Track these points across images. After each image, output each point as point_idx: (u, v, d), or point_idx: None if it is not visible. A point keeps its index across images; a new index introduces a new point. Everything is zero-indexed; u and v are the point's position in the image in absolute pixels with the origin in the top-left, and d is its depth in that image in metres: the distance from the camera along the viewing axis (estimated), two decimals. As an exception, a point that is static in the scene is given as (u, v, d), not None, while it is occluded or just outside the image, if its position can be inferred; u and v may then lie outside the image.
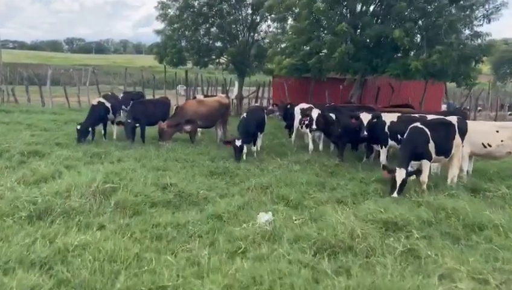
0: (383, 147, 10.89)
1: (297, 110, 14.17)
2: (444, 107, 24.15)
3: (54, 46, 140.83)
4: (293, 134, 14.46)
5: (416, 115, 11.15)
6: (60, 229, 5.97)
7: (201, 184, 8.81)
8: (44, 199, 6.77)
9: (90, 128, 13.17)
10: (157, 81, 32.80)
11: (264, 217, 6.60)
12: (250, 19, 25.72)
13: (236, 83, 32.82)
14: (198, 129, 14.19)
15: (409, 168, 8.43)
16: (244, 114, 12.32)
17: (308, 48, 16.57)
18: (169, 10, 25.03)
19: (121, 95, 18.68)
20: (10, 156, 10.32)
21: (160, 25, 25.35)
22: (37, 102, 24.27)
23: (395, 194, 8.03)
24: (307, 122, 12.94)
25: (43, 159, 10.30)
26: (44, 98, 23.72)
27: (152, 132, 14.10)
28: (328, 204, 7.66)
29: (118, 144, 12.88)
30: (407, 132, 9.14)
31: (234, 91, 30.55)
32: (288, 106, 16.23)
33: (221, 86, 28.63)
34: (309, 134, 13.02)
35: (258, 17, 25.92)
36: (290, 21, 20.87)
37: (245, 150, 11.90)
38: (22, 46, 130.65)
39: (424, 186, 8.69)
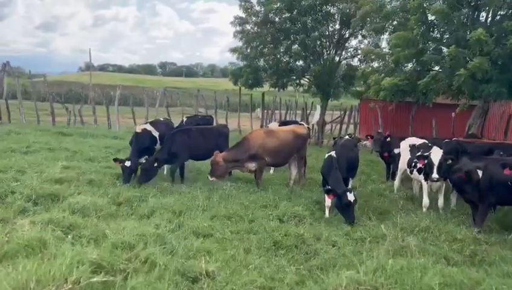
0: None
1: (404, 146, 10.22)
2: None
3: (148, 69, 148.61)
4: (397, 179, 10.46)
5: None
6: None
7: (256, 274, 5.35)
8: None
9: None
10: (233, 104, 30.36)
11: None
12: (337, 34, 22.22)
13: (318, 107, 29.25)
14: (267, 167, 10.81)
15: None
16: (332, 153, 8.62)
17: (415, 64, 12.54)
18: (246, 26, 22.44)
19: (184, 119, 15.99)
20: (12, 201, 7.72)
21: (237, 43, 22.83)
22: (105, 123, 22.78)
23: None
24: (420, 165, 9.02)
25: (50, 208, 7.57)
26: (111, 120, 22.11)
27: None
28: None
29: (163, 185, 9.97)
30: None
31: (315, 116, 26.96)
32: (388, 139, 12.31)
33: (301, 110, 25.21)
34: (424, 184, 9.01)
35: (347, 32, 22.36)
36: (386, 35, 17.10)
37: (329, 203, 8.31)
38: (120, 69, 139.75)
39: None
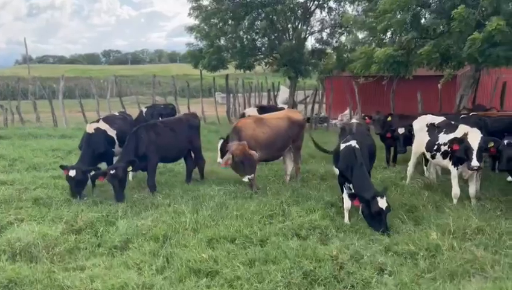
0: None
1: (420, 125, 8.66)
2: None
3: (91, 58, 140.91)
4: (410, 165, 8.92)
5: None
6: None
7: None
8: None
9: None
10: (192, 89, 28.03)
11: None
12: (302, 6, 20.39)
13: (282, 88, 27.56)
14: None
15: None
16: (352, 142, 6.82)
17: (411, 30, 10.99)
18: (203, 1, 20.16)
19: (143, 109, 13.73)
20: None
21: (192, 21, 20.50)
22: (49, 120, 19.82)
23: None
24: (445, 149, 7.54)
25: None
26: (56, 116, 19.21)
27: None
28: None
29: (133, 197, 7.92)
30: None
31: (280, 96, 25.27)
32: (389, 118, 10.80)
33: (267, 92, 23.40)
34: (453, 171, 7.51)
35: (312, 5, 20.61)
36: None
37: (348, 204, 6.64)
38: (61, 60, 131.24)
39: None
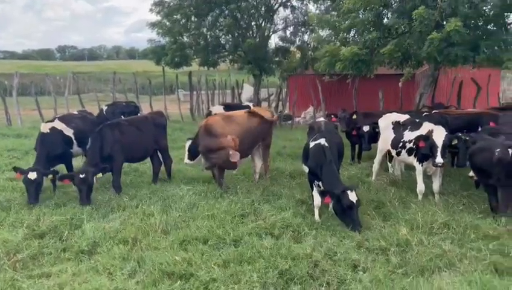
0: None
1: (385, 123, 8.85)
2: None
3: (45, 54, 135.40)
4: (376, 162, 9.12)
5: None
6: None
7: None
8: None
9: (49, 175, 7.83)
10: (154, 87, 27.38)
11: None
12: (265, 5, 20.40)
13: (246, 85, 27.50)
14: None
15: None
16: (321, 140, 6.86)
17: (374, 30, 11.24)
18: (166, -4, 19.78)
19: (104, 107, 13.28)
20: None
21: (153, 17, 20.13)
22: (2, 119, 18.80)
23: None
24: (410, 146, 7.76)
25: None
26: (10, 114, 18.24)
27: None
28: None
29: (97, 198, 7.64)
30: None
31: (244, 94, 25.21)
32: (354, 116, 10.99)
33: (231, 90, 23.26)
34: (418, 167, 7.73)
35: (276, 3, 20.69)
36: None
37: (318, 201, 6.69)
38: (13, 56, 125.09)
39: None
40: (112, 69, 31.00)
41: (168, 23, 19.84)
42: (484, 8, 9.86)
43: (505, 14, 10.17)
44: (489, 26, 10.57)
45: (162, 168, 9.24)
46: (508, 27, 10.67)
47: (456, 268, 4.97)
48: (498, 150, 6.07)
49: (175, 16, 19.65)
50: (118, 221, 6.29)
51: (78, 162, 9.53)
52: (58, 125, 8.67)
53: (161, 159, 9.21)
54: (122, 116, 12.08)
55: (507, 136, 6.44)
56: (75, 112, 10.51)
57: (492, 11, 10.13)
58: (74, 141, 8.76)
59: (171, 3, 19.84)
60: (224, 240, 5.63)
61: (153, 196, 7.59)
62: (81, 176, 7.24)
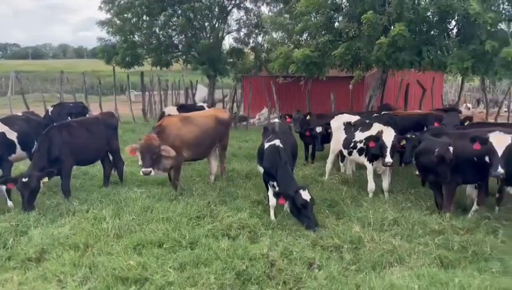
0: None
1: (337, 124, 9.09)
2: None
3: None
4: (329, 162, 9.34)
5: None
6: None
7: None
8: None
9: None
10: (103, 87, 26.48)
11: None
12: (218, 6, 20.34)
13: (200, 86, 27.28)
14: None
15: None
16: (276, 141, 6.94)
17: (325, 33, 11.52)
18: (115, -6, 19.24)
19: (49, 108, 12.70)
20: None
21: (103, 15, 19.53)
22: None
23: None
24: (361, 146, 8.04)
25: None
26: None
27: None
28: None
29: (45, 203, 7.30)
30: None
31: (198, 95, 24.98)
32: (308, 117, 11.20)
33: (185, 90, 22.96)
34: (368, 166, 8.02)
35: (230, 4, 20.69)
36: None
37: (273, 202, 6.75)
38: None
39: None
40: (58, 68, 29.66)
41: (118, 21, 19.33)
42: (427, 14, 10.33)
43: (446, 20, 10.70)
44: (432, 32, 11.08)
45: (114, 171, 8.97)
46: (450, 33, 11.25)
47: (406, 263, 5.20)
48: (437, 149, 6.40)
49: (126, 15, 19.16)
50: (68, 226, 6.04)
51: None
52: (1, 127, 8.17)
53: (112, 161, 8.94)
54: (69, 118, 11.65)
55: (449, 136, 6.79)
56: (19, 114, 9.97)
57: (435, 18, 10.66)
58: (17, 145, 8.30)
59: (122, 2, 19.33)
60: (180, 242, 5.56)
61: (104, 200, 7.34)
62: (24, 180, 6.87)
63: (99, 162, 8.93)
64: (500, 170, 5.84)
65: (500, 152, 5.92)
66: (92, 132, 8.55)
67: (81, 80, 22.58)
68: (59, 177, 7.79)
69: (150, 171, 7.15)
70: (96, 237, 5.72)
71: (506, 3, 10.70)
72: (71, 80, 26.68)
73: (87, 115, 12.72)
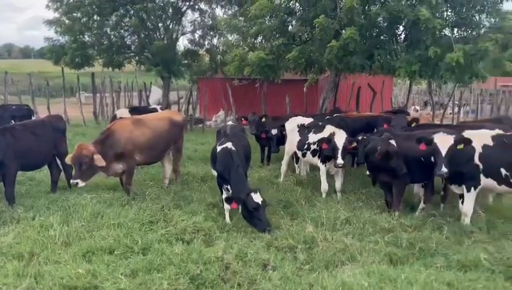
0: (471, 189, 6.46)
1: (291, 126, 9.22)
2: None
3: None
4: (284, 163, 9.44)
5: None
6: None
7: None
8: None
9: None
10: (52, 88, 25.40)
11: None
12: (172, 6, 20.06)
13: (154, 88, 26.79)
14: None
15: None
16: (228, 144, 6.92)
17: (279, 37, 11.66)
18: (63, -8, 18.51)
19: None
20: None
21: (51, 14, 18.75)
22: None
23: None
24: (314, 148, 8.20)
25: None
26: None
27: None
28: None
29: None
30: None
31: (152, 97, 24.51)
32: (263, 119, 11.25)
33: (138, 92, 22.44)
34: (322, 167, 8.18)
35: (184, 5, 20.46)
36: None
37: (228, 205, 6.73)
38: None
39: None
40: (2, 69, 28.08)
41: (67, 21, 18.63)
42: (378, 19, 10.70)
43: (395, 25, 11.13)
44: (382, 37, 11.49)
45: (62, 176, 8.61)
46: (398, 38, 11.70)
47: (357, 261, 5.34)
48: (379, 147, 6.65)
49: (75, 14, 18.49)
50: (12, 235, 5.74)
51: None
52: None
53: (60, 166, 8.58)
54: (12, 121, 11.08)
55: (396, 137, 7.05)
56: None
57: (385, 23, 11.06)
58: None
59: (70, 1, 18.62)
60: (132, 248, 5.42)
61: (52, 206, 7.04)
62: None
63: (46, 167, 8.55)
64: (444, 169, 6.13)
65: (443, 152, 6.22)
66: (38, 135, 8.17)
67: (27, 81, 21.56)
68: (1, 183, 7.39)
69: (77, 183, 6.92)
70: (42, 245, 5.47)
71: (450, 10, 11.31)
72: (16, 81, 25.39)
73: (33, 118, 12.18)
